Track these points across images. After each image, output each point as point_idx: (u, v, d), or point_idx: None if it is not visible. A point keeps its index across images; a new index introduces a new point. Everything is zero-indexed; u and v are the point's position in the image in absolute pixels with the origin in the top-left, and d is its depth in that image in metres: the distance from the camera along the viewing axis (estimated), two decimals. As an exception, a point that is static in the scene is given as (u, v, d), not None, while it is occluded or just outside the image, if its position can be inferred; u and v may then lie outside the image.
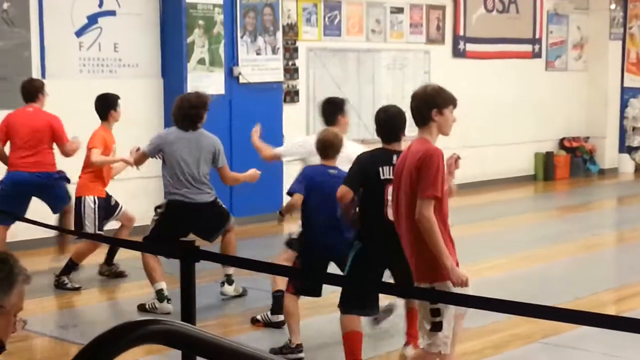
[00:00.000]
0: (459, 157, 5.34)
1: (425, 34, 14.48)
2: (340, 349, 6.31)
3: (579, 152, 16.95)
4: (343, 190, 5.79)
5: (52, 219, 8.63)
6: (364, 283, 5.70)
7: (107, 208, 8.63)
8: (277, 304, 7.03)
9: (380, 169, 5.76)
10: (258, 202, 11.32)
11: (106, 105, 8.47)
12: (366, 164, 5.85)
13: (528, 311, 4.42)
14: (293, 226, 7.23)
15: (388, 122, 5.97)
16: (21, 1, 10.08)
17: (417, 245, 4.90)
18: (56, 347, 6.62)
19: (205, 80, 11.26)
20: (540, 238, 10.81)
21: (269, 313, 7.26)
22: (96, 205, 8.38)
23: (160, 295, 7.58)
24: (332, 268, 6.42)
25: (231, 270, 7.98)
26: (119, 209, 8.84)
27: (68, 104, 10.31)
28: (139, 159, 7.97)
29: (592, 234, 11.37)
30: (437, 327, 4.91)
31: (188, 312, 4.13)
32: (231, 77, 11.57)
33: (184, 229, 7.45)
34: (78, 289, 8.42)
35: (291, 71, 12.62)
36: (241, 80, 11.63)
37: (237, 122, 11.33)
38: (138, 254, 8.29)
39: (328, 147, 6.39)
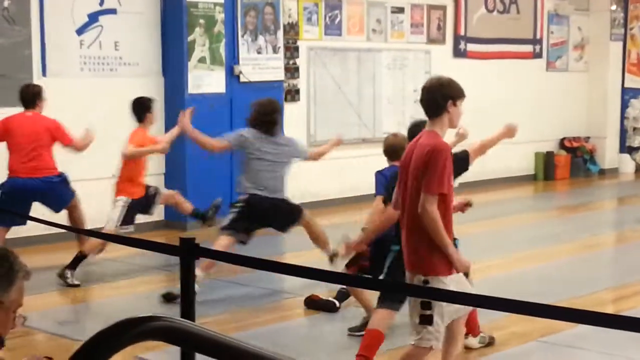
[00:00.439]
0: (469, 204, 5.48)
1: (426, 33, 14.49)
2: (343, 347, 6.34)
3: (580, 152, 16.95)
4: (395, 213, 5.50)
5: (54, 216, 8.65)
6: (399, 282, 5.60)
7: (143, 204, 8.88)
8: (341, 292, 7.45)
9: None
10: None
11: (142, 108, 8.79)
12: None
13: (526, 309, 4.43)
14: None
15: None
16: (22, -1, 10.10)
17: (417, 237, 4.92)
18: (56, 343, 6.63)
19: (205, 79, 11.27)
20: (540, 238, 10.82)
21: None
22: (127, 205, 8.65)
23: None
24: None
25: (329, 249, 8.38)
26: (157, 196, 9.04)
27: (69, 102, 10.33)
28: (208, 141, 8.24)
29: (592, 234, 11.38)
30: (426, 320, 4.91)
31: (188, 308, 4.14)
32: (232, 76, 11.58)
33: (261, 223, 8.08)
34: (77, 285, 8.44)
35: (292, 70, 12.63)
36: (242, 79, 11.64)
37: (237, 121, 11.31)
38: (135, 250, 8.33)
39: (399, 149, 6.41)
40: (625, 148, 17.48)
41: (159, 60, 11.28)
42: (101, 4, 10.74)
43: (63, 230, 8.19)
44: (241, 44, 11.66)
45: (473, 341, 6.51)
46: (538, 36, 16.39)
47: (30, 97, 8.72)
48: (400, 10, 14.03)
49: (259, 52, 11.87)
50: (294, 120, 12.22)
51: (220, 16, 11.38)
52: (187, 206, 9.43)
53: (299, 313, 7.84)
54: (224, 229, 8.01)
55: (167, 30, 11.24)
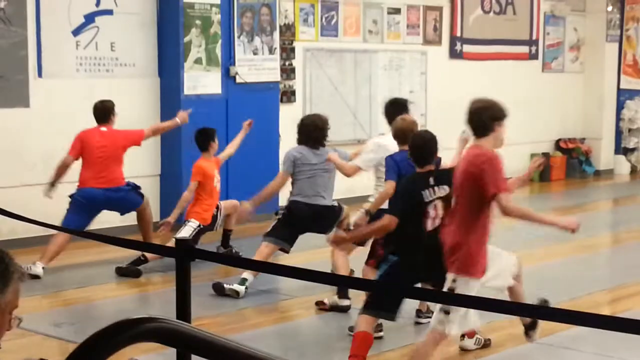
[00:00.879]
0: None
1: (422, 35, 14.50)
2: (338, 349, 6.35)
3: (575, 154, 16.97)
4: (391, 219, 5.90)
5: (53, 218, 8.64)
6: (392, 287, 5.78)
7: (210, 227, 9.21)
8: (345, 289, 7.46)
9: (423, 192, 5.96)
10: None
11: (207, 138, 9.20)
12: (412, 191, 6.00)
13: (523, 311, 4.44)
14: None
15: (425, 148, 6.10)
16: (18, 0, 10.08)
17: (459, 239, 5.32)
18: (52, 345, 6.62)
19: (202, 80, 11.27)
20: (536, 238, 10.80)
21: (336, 297, 7.60)
22: (196, 229, 8.95)
23: (242, 281, 8.04)
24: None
25: None
26: (218, 218, 9.34)
27: (64, 103, 10.32)
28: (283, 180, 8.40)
29: (587, 235, 11.38)
30: (444, 312, 5.36)
31: (183, 310, 4.14)
32: (228, 77, 11.57)
33: (305, 227, 8.17)
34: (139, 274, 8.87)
35: (288, 71, 12.63)
36: (238, 80, 11.63)
37: (233, 122, 11.30)
38: (131, 252, 8.35)
39: (409, 132, 6.65)
40: (620, 149, 17.51)
41: (155, 61, 11.27)
42: (97, 4, 10.72)
43: (59, 232, 8.20)
44: (237, 44, 11.66)
45: (469, 343, 6.52)
46: (534, 37, 16.41)
47: (104, 113, 9.17)
48: (397, 11, 14.03)
49: (255, 53, 11.87)
50: (290, 122, 12.20)
51: (216, 17, 11.38)
52: (231, 222, 9.64)
53: (297, 314, 7.85)
54: (266, 236, 8.16)
55: (163, 31, 11.23)
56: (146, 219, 9.42)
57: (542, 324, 6.19)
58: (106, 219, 9.56)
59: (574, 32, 17.18)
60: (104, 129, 9.11)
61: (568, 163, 16.78)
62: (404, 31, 14.18)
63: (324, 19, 13.09)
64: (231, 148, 9.56)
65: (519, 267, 6.01)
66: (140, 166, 10.86)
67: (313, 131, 8.13)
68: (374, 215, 6.89)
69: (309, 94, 12.98)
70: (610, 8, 17.10)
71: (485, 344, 6.58)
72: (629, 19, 17.35)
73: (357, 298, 7.20)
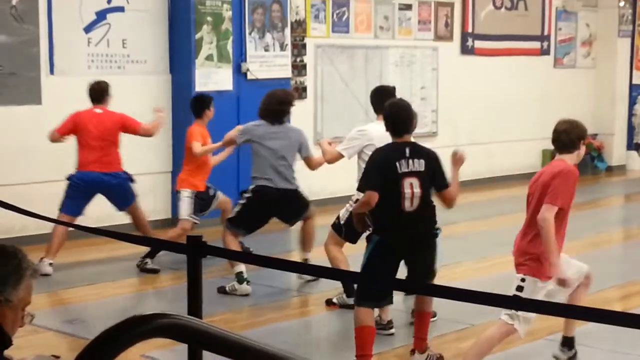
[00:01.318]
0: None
1: (434, 30, 14.47)
2: (348, 346, 6.34)
3: (587, 149, 16.85)
4: (370, 194, 5.83)
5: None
6: (380, 275, 5.83)
7: (204, 200, 9.13)
8: (351, 287, 7.25)
9: (397, 163, 5.83)
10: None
11: (201, 105, 9.14)
12: (383, 161, 5.89)
13: (534, 308, 4.43)
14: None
15: (399, 116, 6.02)
16: (30, -3, 10.11)
17: (530, 241, 5.65)
18: (63, 341, 6.64)
19: (213, 77, 11.28)
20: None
21: (344, 295, 7.54)
22: (192, 196, 8.94)
23: (239, 277, 7.97)
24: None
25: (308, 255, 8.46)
26: (215, 199, 9.32)
27: (76, 100, 10.33)
28: (228, 143, 8.54)
29: (599, 231, 11.36)
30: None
31: (195, 306, 4.14)
32: (239, 74, 11.58)
33: (268, 212, 8.11)
34: (157, 271, 8.84)
35: (299, 68, 12.63)
36: (249, 76, 11.64)
37: (245, 118, 11.27)
38: (142, 248, 8.37)
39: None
40: (632, 145, 17.44)
41: (167, 58, 11.28)
42: (109, 1, 10.75)
43: (70, 229, 8.21)
44: (248, 41, 11.67)
45: (420, 358, 6.33)
46: (546, 33, 16.37)
47: (99, 93, 9.03)
48: (408, 7, 14.01)
49: (266, 50, 11.87)
50: (301, 118, 12.21)
51: (227, 14, 11.38)
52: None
53: (305, 311, 7.86)
54: (230, 222, 8.08)
55: (175, 28, 11.24)
56: (141, 218, 9.22)
57: (554, 321, 6.17)
58: (117, 216, 9.56)
59: (585, 27, 17.13)
60: (98, 110, 8.96)
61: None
62: (415, 27, 14.16)
63: (335, 15, 13.08)
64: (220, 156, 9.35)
65: (589, 277, 6.11)
66: (151, 162, 10.89)
67: (275, 104, 8.11)
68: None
69: (320, 90, 12.97)
70: (622, 3, 17.04)
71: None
72: (641, 14, 17.29)
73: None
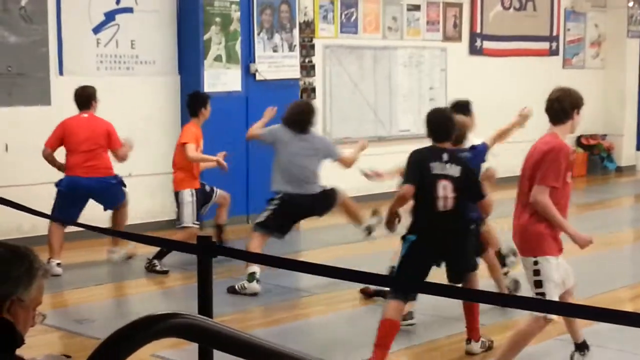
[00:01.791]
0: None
1: (442, 31, 14.47)
2: (358, 346, 6.34)
3: (596, 150, 16.88)
4: (406, 188, 6.00)
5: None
6: (412, 272, 5.94)
7: (204, 195, 9.18)
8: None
9: (432, 164, 6.03)
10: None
11: (198, 103, 9.06)
12: (420, 160, 6.09)
13: (544, 308, 4.42)
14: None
15: (440, 122, 6.24)
16: (39, -2, 10.13)
17: (527, 222, 5.55)
18: (74, 341, 6.65)
19: (221, 78, 11.28)
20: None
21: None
22: (193, 197, 8.94)
23: (251, 277, 8.01)
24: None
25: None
26: (215, 192, 9.37)
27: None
28: (252, 137, 8.63)
29: (609, 232, 11.33)
30: (540, 296, 5.47)
31: (205, 307, 4.15)
32: (248, 74, 11.59)
33: (297, 216, 8.35)
34: (166, 272, 8.80)
35: (307, 68, 12.63)
36: (258, 77, 11.65)
37: (253, 119, 11.27)
38: (151, 249, 8.38)
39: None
40: (642, 145, 17.42)
41: (175, 59, 11.29)
42: (117, 2, 10.76)
43: (80, 229, 8.23)
44: (257, 42, 11.67)
45: (475, 346, 6.42)
46: (554, 33, 16.35)
47: (85, 98, 9.00)
48: (416, 7, 14.01)
49: (274, 50, 11.87)
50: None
51: (236, 14, 11.39)
52: (223, 215, 9.63)
53: (316, 311, 7.85)
54: (260, 225, 8.17)
55: (183, 29, 11.26)
56: (121, 218, 9.15)
57: (561, 320, 6.15)
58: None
59: (594, 28, 17.10)
60: (85, 115, 8.94)
61: (589, 160, 16.71)
62: (423, 28, 14.15)
63: (343, 16, 13.08)
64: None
65: (570, 292, 5.98)
66: (157, 164, 10.89)
67: (301, 114, 8.29)
68: None
69: (328, 91, 12.98)
70: (631, 4, 17.00)
71: (489, 347, 6.49)
72: (650, 15, 17.25)
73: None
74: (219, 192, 9.45)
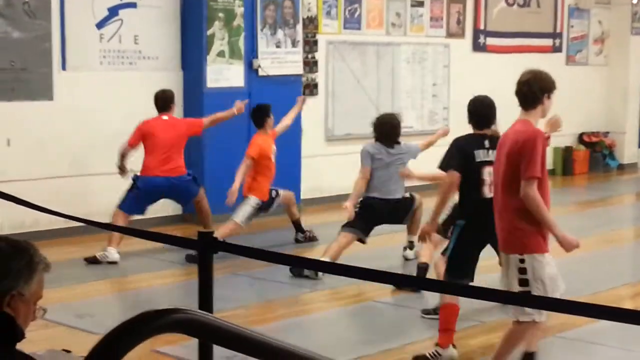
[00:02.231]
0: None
1: (446, 27, 14.45)
2: (360, 342, 6.34)
3: (599, 147, 16.87)
4: (452, 174, 6.15)
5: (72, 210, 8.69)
6: (463, 257, 6.12)
7: (266, 206, 9.58)
8: (422, 275, 7.62)
9: (475, 152, 6.20)
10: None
11: (262, 114, 9.58)
12: (463, 147, 6.25)
13: (545, 305, 4.42)
14: None
15: (481, 109, 6.47)
16: (42, -7, 10.13)
17: (511, 218, 5.23)
18: (75, 336, 6.66)
19: (224, 73, 11.28)
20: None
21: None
22: (257, 206, 9.39)
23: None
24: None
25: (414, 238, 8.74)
26: (276, 200, 9.68)
27: (88, 96, 10.36)
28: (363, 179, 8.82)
29: (611, 229, 11.33)
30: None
31: (206, 302, 4.15)
32: (251, 70, 11.58)
33: (378, 220, 8.66)
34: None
35: (311, 64, 12.63)
36: (261, 73, 11.64)
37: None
38: (153, 244, 8.39)
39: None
40: (644, 143, 17.40)
41: (178, 54, 11.29)
42: (121, -3, 10.76)
43: (82, 224, 8.23)
44: (260, 37, 11.67)
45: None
46: (558, 30, 16.33)
47: (165, 101, 9.40)
48: (420, 3, 14.00)
49: (278, 46, 11.87)
50: (312, 115, 12.22)
51: (239, 10, 11.39)
52: (295, 212, 10.03)
53: (317, 307, 7.86)
54: (346, 225, 8.49)
55: (187, 24, 11.25)
56: (204, 210, 9.55)
57: (564, 318, 6.15)
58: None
59: (598, 24, 17.08)
60: (165, 117, 9.33)
61: (591, 157, 16.69)
62: (427, 24, 14.14)
63: (347, 12, 13.07)
64: (287, 120, 9.98)
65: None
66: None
67: (391, 128, 8.76)
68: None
69: (331, 87, 12.97)
70: (635, 1, 16.97)
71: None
72: (654, 12, 17.22)
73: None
74: (282, 194, 9.74)
